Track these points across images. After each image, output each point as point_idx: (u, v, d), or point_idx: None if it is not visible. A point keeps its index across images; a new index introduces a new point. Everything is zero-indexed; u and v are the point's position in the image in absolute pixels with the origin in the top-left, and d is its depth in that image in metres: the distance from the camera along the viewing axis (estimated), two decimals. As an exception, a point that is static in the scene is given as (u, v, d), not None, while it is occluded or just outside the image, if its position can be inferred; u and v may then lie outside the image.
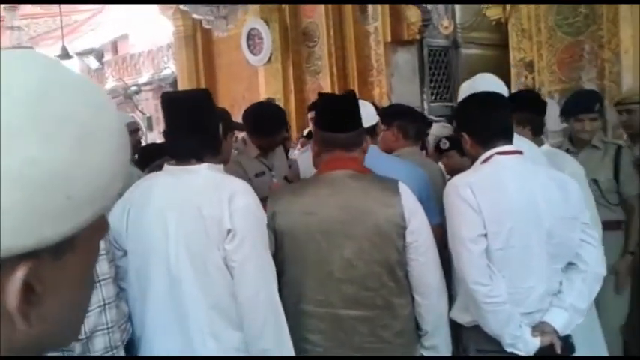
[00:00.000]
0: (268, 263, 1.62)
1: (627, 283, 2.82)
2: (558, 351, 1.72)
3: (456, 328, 1.84)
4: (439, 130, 3.38)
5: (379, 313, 1.71)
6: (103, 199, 0.46)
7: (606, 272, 1.82)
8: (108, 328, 1.46)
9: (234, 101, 7.66)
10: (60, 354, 1.37)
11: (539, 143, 2.50)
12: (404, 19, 6.19)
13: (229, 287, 1.56)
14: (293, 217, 1.74)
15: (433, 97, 6.60)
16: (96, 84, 0.53)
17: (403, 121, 2.65)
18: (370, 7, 6.26)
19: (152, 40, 12.14)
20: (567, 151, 2.88)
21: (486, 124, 1.82)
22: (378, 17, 6.22)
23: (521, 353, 1.70)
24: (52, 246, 0.42)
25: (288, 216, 1.75)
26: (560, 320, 1.74)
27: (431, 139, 3.34)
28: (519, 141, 1.96)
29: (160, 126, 10.43)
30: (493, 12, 5.43)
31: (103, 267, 1.47)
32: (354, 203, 1.72)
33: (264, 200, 1.74)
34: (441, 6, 6.29)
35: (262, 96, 6.74)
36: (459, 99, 2.29)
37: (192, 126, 1.65)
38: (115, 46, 14.35)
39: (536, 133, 2.57)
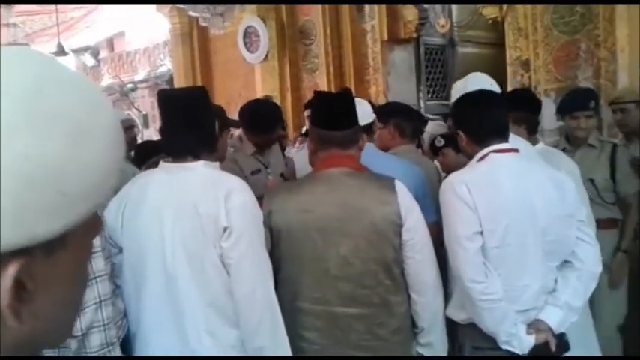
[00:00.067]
0: (265, 261, 1.62)
1: (621, 281, 2.83)
2: (553, 349, 1.72)
3: (451, 325, 1.85)
4: (434, 128, 3.37)
5: (375, 310, 1.72)
6: (96, 196, 0.46)
7: (602, 270, 1.83)
8: (104, 325, 1.46)
9: (231, 99, 7.64)
10: (56, 351, 1.37)
11: (535, 142, 2.51)
12: (400, 17, 6.19)
13: (225, 285, 1.56)
14: (289, 215, 1.74)
15: (429, 96, 6.59)
16: (91, 81, 0.53)
17: (399, 119, 2.65)
18: (367, 5, 6.25)
19: (148, 37, 12.11)
20: (564, 149, 2.89)
21: (482, 122, 1.82)
22: (374, 16, 6.21)
23: (516, 351, 1.71)
24: (44, 243, 0.42)
25: (285, 214, 1.75)
26: (554, 318, 1.75)
27: (426, 137, 3.33)
28: (515, 140, 1.96)
29: (156, 123, 10.41)
30: (489, 11, 5.43)
31: (98, 264, 1.47)
32: (350, 201, 1.72)
33: (260, 198, 1.74)
34: (437, 5, 6.28)
35: (259, 94, 6.72)
36: (452, 98, 2.30)
37: (188, 123, 1.65)
38: (111, 44, 14.30)
39: (532, 132, 2.58)
